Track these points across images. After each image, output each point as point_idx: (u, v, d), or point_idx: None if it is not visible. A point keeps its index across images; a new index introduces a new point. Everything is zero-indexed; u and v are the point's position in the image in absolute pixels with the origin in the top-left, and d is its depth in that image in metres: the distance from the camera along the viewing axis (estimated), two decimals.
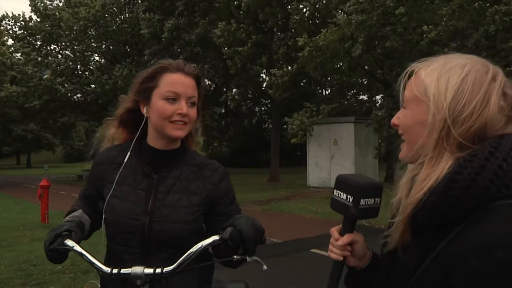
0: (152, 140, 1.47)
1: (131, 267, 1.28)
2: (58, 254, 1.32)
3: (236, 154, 28.73)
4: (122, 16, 24.66)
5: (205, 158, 1.55)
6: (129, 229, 1.39)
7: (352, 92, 24.60)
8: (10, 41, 27.02)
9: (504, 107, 0.85)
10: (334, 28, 13.74)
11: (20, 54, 24.33)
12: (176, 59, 1.51)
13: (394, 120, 0.98)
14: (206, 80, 22.97)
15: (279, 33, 20.43)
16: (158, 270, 1.26)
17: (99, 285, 1.45)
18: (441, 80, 0.87)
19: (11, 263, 5.86)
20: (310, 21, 17.82)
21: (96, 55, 26.16)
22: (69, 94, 24.13)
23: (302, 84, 23.09)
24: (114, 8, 24.03)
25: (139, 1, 23.11)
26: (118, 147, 1.53)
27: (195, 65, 1.53)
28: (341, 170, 14.03)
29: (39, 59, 23.27)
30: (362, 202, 0.98)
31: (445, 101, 0.85)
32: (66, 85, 23.34)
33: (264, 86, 21.78)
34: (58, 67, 23.20)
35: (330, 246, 1.04)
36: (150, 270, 1.27)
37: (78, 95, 25.17)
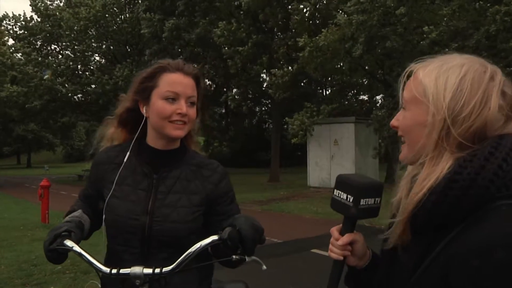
0: (152, 140, 1.47)
1: (130, 267, 1.28)
2: (58, 254, 1.31)
3: (236, 154, 28.73)
4: (122, 16, 24.67)
5: (204, 158, 1.55)
6: (129, 229, 1.39)
7: (352, 92, 24.59)
8: (11, 41, 27.09)
9: (503, 106, 0.85)
10: (334, 28, 13.74)
11: (20, 54, 24.34)
12: (176, 59, 1.51)
13: (394, 121, 0.98)
14: (207, 80, 22.97)
15: (279, 33, 20.44)
16: (157, 270, 1.26)
17: (99, 285, 1.45)
18: (439, 81, 0.87)
19: (12, 263, 5.86)
20: (311, 21, 17.81)
21: (97, 55, 26.17)
22: (69, 94, 24.13)
23: (302, 84, 23.07)
24: (115, 8, 24.04)
25: (140, 1, 23.11)
26: (118, 147, 1.53)
27: (195, 65, 1.53)
28: (341, 170, 14.02)
29: (40, 59, 23.27)
30: (362, 202, 0.98)
31: (444, 101, 0.85)
32: (66, 85, 23.35)
33: (264, 86, 21.78)
34: (59, 67, 23.20)
35: (330, 246, 1.04)
36: (149, 270, 1.26)
37: (79, 95, 25.16)
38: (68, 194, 15.06)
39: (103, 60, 26.71)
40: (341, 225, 1.05)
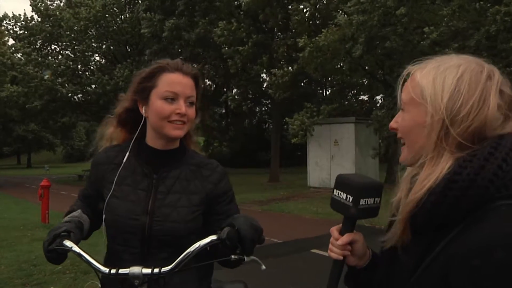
0: (151, 140, 1.47)
1: (129, 267, 1.28)
2: (57, 254, 1.32)
3: (236, 154, 28.74)
4: (122, 16, 24.66)
5: (204, 158, 1.55)
6: (129, 229, 1.39)
7: (352, 92, 24.60)
8: (11, 41, 27.09)
9: (501, 105, 0.85)
10: (334, 28, 13.75)
11: (20, 54, 24.34)
12: (175, 59, 1.51)
13: (393, 123, 0.98)
14: (207, 80, 23.00)
15: (279, 33, 20.44)
16: (156, 270, 1.26)
17: (99, 285, 1.45)
18: (437, 81, 0.88)
19: (12, 263, 5.87)
20: (311, 22, 17.81)
21: (97, 55, 26.17)
22: (69, 95, 24.13)
23: (302, 84, 23.08)
24: (115, 8, 24.03)
25: (140, 1, 23.11)
26: (117, 147, 1.53)
27: (195, 65, 1.53)
28: (341, 171, 14.02)
29: (40, 59, 23.27)
30: (362, 202, 0.98)
31: (442, 101, 0.86)
32: (67, 85, 23.36)
33: (264, 86, 21.79)
34: (59, 68, 23.20)
35: (330, 246, 1.04)
36: (148, 270, 1.26)
37: (79, 95, 25.16)
38: (68, 194, 15.07)
39: (103, 60, 26.71)
40: (341, 225, 1.05)
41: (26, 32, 25.16)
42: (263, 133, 32.12)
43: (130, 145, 1.47)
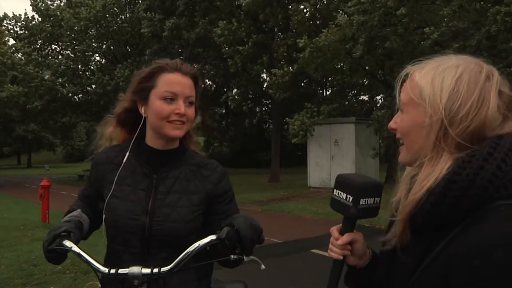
0: (151, 140, 1.48)
1: (129, 267, 1.28)
2: (57, 254, 1.32)
3: (236, 155, 28.73)
4: (122, 16, 24.67)
5: (204, 158, 1.55)
6: (129, 229, 1.39)
7: (353, 92, 24.60)
8: (12, 41, 27.10)
9: (500, 106, 0.86)
10: (335, 28, 13.75)
11: (21, 54, 24.35)
12: (175, 59, 1.51)
13: (392, 124, 0.98)
14: (207, 80, 23.00)
15: (279, 33, 20.44)
16: (155, 270, 1.26)
17: (100, 285, 1.45)
18: (435, 82, 0.88)
19: (12, 263, 5.87)
20: (311, 22, 17.81)
21: (97, 55, 26.19)
22: (70, 95, 24.14)
23: (302, 84, 23.09)
24: (115, 8, 24.04)
25: (140, 1, 23.12)
26: (117, 147, 1.53)
27: (196, 65, 1.53)
28: (341, 171, 14.01)
29: (40, 59, 23.29)
30: (362, 201, 0.98)
31: (440, 102, 0.86)
32: (67, 85, 23.37)
33: (264, 86, 21.79)
34: (59, 68, 23.22)
35: (330, 245, 1.04)
36: (148, 270, 1.26)
37: (79, 95, 25.17)
38: (68, 194, 15.07)
39: (104, 60, 26.72)
40: (341, 224, 1.05)
41: (26, 32, 25.18)
42: (264, 133, 32.13)
43: (130, 145, 1.47)
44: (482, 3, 11.30)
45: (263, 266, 1.26)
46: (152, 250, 1.38)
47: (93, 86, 23.95)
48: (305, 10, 17.06)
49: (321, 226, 8.28)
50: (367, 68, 16.38)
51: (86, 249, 1.31)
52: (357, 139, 15.34)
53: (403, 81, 0.96)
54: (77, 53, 24.29)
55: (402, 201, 0.90)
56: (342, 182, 1.02)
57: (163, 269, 1.26)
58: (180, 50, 21.45)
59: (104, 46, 24.92)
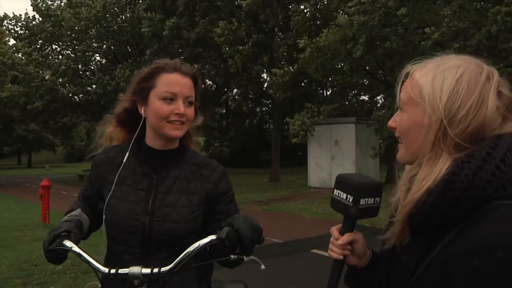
0: (150, 140, 1.48)
1: (129, 267, 1.28)
2: (57, 254, 1.32)
3: (236, 155, 28.73)
4: (123, 16, 24.67)
5: (204, 158, 1.55)
6: (129, 229, 1.39)
7: (353, 92, 24.58)
8: (12, 41, 27.10)
9: (500, 107, 0.85)
10: (335, 28, 13.75)
11: (21, 54, 24.35)
12: (175, 59, 1.51)
13: (391, 123, 0.98)
14: (207, 80, 22.99)
15: (280, 33, 20.43)
16: (155, 270, 1.26)
17: (100, 285, 1.45)
18: (436, 81, 0.88)
19: (12, 263, 5.87)
20: (311, 22, 17.81)
21: (97, 55, 26.19)
22: (70, 95, 24.14)
23: (303, 84, 23.07)
24: (115, 8, 24.04)
25: (140, 1, 23.12)
26: (117, 148, 1.53)
27: (196, 65, 1.54)
28: (342, 171, 13.99)
29: (40, 59, 23.29)
30: (362, 201, 0.98)
31: (440, 102, 0.86)
32: (67, 85, 23.37)
33: (265, 86, 21.79)
34: (60, 68, 23.22)
35: (330, 245, 1.04)
36: (148, 270, 1.26)
37: (80, 96, 25.17)
38: (68, 194, 15.07)
39: (104, 60, 26.73)
40: (341, 224, 1.05)
41: (27, 32, 25.18)
42: (264, 133, 32.13)
43: (130, 146, 1.47)
44: (482, 3, 11.29)
45: (263, 266, 1.26)
46: (152, 250, 1.38)
47: (94, 86, 23.95)
48: (305, 10, 17.06)
49: (321, 226, 8.28)
50: (367, 68, 16.37)
51: (86, 249, 1.31)
52: (358, 139, 15.34)
53: (404, 80, 0.96)
54: (78, 53, 24.29)
55: (401, 201, 0.90)
56: (342, 182, 1.02)
57: (163, 269, 1.27)
58: (180, 50, 21.45)
59: (104, 46, 24.92)
